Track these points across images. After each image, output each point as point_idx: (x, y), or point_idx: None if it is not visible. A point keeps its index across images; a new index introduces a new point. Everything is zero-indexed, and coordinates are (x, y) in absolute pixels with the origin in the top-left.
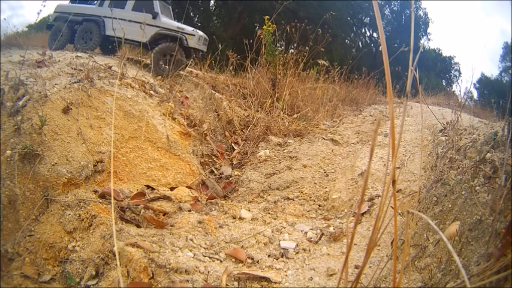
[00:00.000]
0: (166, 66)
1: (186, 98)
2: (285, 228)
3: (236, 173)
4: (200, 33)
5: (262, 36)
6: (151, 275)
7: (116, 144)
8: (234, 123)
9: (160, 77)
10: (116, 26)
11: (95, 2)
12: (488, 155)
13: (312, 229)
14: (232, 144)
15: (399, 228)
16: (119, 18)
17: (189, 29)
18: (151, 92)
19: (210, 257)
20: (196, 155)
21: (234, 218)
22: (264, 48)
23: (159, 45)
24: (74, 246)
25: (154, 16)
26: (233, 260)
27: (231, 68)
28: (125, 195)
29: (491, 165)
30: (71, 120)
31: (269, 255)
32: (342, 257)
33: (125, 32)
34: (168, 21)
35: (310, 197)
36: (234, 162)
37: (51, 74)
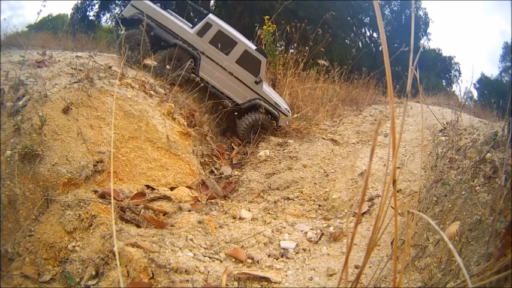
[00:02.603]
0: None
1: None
2: (285, 228)
3: (236, 173)
4: (290, 113)
5: (262, 36)
6: (151, 275)
7: (116, 144)
8: (234, 123)
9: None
10: (216, 74)
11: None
12: (488, 155)
13: (312, 229)
14: (232, 144)
15: (399, 228)
16: (219, 65)
17: (283, 106)
18: (151, 92)
19: (210, 257)
20: (196, 155)
21: (234, 218)
22: (264, 48)
23: (256, 116)
24: (74, 246)
25: (258, 82)
26: (233, 260)
27: None
28: (125, 195)
29: (491, 165)
30: (71, 120)
31: (269, 255)
32: (342, 257)
33: (223, 85)
34: (268, 92)
35: (310, 197)
36: (234, 162)
37: (51, 74)
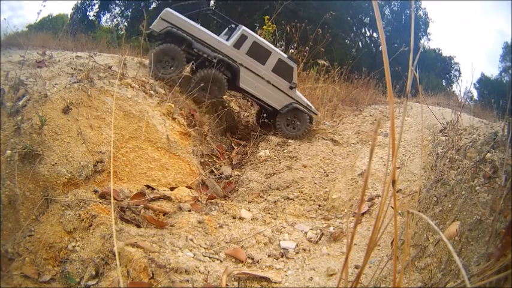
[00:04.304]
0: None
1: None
2: (285, 228)
3: (236, 173)
4: (318, 112)
5: (262, 36)
6: (151, 275)
7: (116, 144)
8: (234, 123)
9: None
10: (255, 84)
11: (221, 33)
12: (488, 155)
13: (312, 229)
14: (232, 144)
15: (399, 228)
16: (257, 74)
17: (312, 106)
18: (151, 92)
19: (210, 257)
20: (196, 155)
21: (234, 218)
22: None
23: (288, 110)
24: (74, 246)
25: (292, 87)
26: (233, 260)
27: None
28: (125, 195)
29: (491, 165)
30: (71, 120)
31: (269, 255)
32: (342, 257)
33: (262, 93)
34: (300, 96)
35: (310, 197)
36: (234, 162)
37: (51, 74)
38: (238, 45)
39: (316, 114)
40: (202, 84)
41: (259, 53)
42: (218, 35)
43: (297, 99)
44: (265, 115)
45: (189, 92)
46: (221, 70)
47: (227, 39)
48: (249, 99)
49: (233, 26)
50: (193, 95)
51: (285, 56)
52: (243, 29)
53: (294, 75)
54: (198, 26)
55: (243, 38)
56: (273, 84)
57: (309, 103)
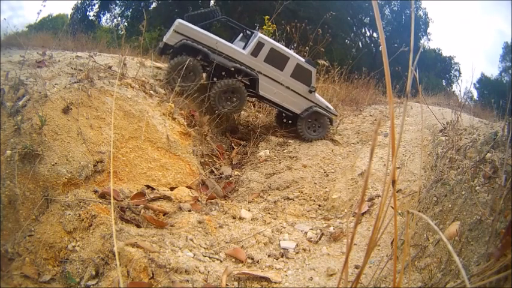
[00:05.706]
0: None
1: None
2: (285, 228)
3: (236, 173)
4: (337, 113)
5: None
6: (151, 275)
7: (116, 144)
8: (234, 123)
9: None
10: (275, 91)
11: (237, 41)
12: (488, 155)
13: (312, 229)
14: (232, 144)
15: (399, 228)
16: (276, 81)
17: (331, 107)
18: (151, 92)
19: (210, 257)
20: (196, 155)
21: (234, 218)
22: None
23: (308, 113)
24: (74, 246)
25: (311, 91)
26: (233, 260)
27: None
28: (125, 195)
29: (491, 165)
30: (71, 120)
31: (269, 255)
32: (342, 257)
33: (282, 99)
34: (319, 98)
35: (310, 197)
36: (234, 162)
37: (51, 74)
38: (255, 53)
39: (335, 116)
40: (222, 96)
41: (277, 59)
42: (231, 41)
43: (317, 102)
44: (284, 114)
45: (214, 110)
46: (239, 79)
47: (243, 47)
48: (268, 105)
49: (248, 32)
50: (194, 94)
51: (303, 60)
52: (259, 36)
53: (312, 78)
54: (213, 36)
55: (260, 45)
56: (292, 90)
57: (328, 105)
